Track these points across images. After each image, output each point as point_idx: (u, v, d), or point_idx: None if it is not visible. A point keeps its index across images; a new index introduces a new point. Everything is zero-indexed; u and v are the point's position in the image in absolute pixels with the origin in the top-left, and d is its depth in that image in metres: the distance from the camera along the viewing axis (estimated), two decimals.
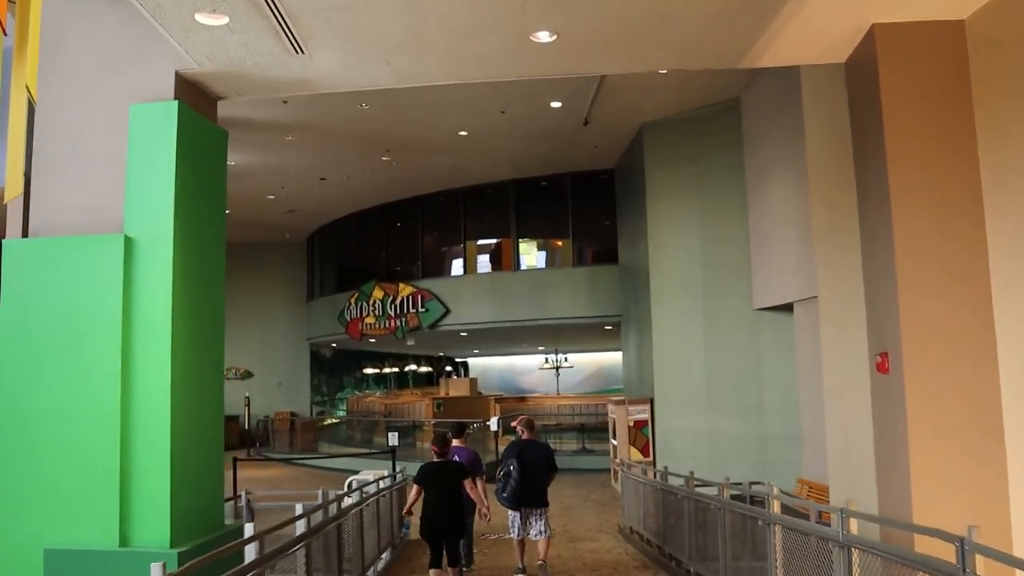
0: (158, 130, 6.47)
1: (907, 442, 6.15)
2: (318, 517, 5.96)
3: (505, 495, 7.67)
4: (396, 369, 33.65)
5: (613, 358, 28.50)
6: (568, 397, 22.11)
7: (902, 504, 6.24)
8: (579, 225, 18.24)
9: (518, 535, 7.79)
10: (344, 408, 28.39)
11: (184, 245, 6.48)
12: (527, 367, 29.45)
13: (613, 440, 14.76)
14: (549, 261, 19.11)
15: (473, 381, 24.47)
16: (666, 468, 9.62)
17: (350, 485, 10.20)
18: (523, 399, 21.50)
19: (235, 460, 13.20)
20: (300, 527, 5.40)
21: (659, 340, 13.97)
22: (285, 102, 13.11)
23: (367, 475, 10.32)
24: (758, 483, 8.97)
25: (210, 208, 7.22)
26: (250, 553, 4.39)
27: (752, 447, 12.81)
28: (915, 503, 6.05)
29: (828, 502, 8.95)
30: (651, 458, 14.10)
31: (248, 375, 26.44)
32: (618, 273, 17.29)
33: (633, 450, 14.15)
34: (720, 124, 13.62)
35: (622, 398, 14.48)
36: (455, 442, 7.83)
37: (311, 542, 5.49)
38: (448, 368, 35.47)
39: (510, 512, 7.80)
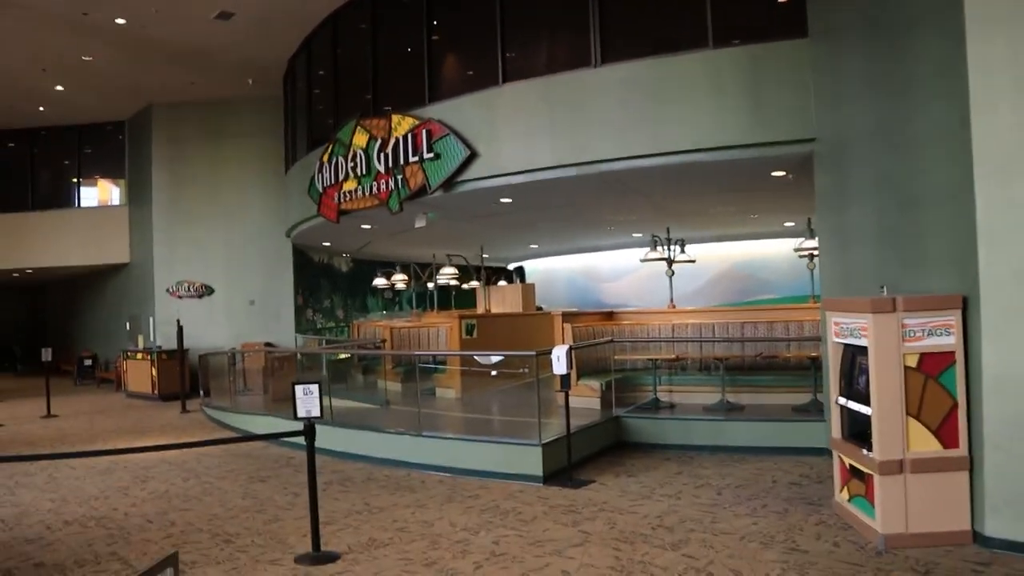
0: None
1: None
2: None
3: None
4: (432, 285, 25.46)
5: (758, 251, 19.07)
6: (695, 311, 12.72)
7: None
8: None
9: None
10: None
11: None
12: (615, 270, 20.35)
13: (841, 399, 6.15)
14: (662, 45, 10.03)
15: (527, 289, 15.96)
16: None
17: None
18: (610, 316, 12.64)
19: None
20: None
21: (989, 138, 5.16)
22: None
23: None
24: None
25: None
26: None
27: None
28: None
29: None
30: (960, 449, 5.47)
31: (208, 291, 18.62)
32: (806, 54, 8.37)
33: (916, 426, 5.51)
34: None
35: (887, 300, 5.71)
36: None
37: None
38: (503, 283, 27.00)
39: None
